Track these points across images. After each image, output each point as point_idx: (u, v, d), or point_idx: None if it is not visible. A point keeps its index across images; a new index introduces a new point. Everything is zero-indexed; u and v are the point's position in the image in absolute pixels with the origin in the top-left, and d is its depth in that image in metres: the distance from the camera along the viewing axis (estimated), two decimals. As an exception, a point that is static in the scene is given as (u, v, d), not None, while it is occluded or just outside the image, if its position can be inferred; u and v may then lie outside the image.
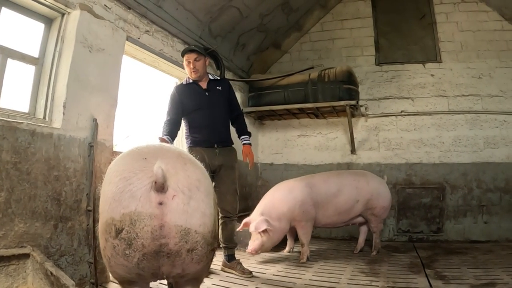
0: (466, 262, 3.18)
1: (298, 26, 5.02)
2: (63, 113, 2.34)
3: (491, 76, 4.40)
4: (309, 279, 2.73)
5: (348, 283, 2.62)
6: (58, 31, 2.47)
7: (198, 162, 1.63)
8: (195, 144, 2.88)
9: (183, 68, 3.57)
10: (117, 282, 1.66)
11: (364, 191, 3.54)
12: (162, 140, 2.61)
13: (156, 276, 1.48)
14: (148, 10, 3.04)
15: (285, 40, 5.10)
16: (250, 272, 2.84)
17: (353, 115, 4.56)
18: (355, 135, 4.65)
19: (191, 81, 2.94)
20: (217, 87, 2.97)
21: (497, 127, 4.33)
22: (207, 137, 2.87)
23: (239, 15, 3.94)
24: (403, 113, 4.65)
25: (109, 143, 2.67)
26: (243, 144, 3.07)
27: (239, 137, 3.11)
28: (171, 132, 2.78)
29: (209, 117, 2.87)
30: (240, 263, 2.91)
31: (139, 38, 3.03)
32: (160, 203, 1.34)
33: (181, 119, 2.92)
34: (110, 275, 2.20)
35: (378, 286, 2.53)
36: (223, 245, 2.97)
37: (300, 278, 2.75)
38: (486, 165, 4.30)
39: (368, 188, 3.55)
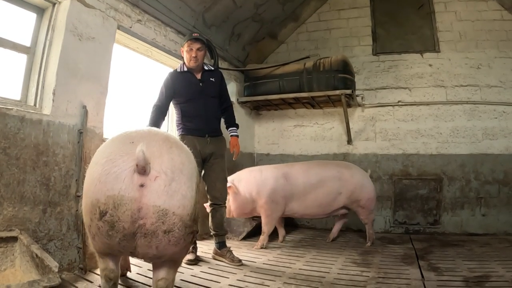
0: (462, 254, 3.15)
1: (295, 16, 4.99)
2: (53, 100, 2.37)
3: (490, 67, 4.33)
4: (299, 269, 2.73)
5: (338, 273, 2.61)
6: (49, 21, 2.50)
7: (184, 146, 1.65)
8: (187, 132, 2.92)
9: (176, 57, 3.61)
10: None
11: (347, 183, 3.53)
12: None
13: (134, 255, 1.52)
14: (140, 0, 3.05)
15: (282, 30, 5.07)
16: (240, 261, 2.85)
17: (349, 105, 4.54)
18: (351, 126, 4.62)
19: (185, 69, 2.96)
20: (211, 78, 3.00)
21: (496, 118, 4.27)
22: (199, 127, 2.91)
23: (233, 5, 3.92)
24: (400, 103, 4.60)
25: (99, 130, 2.70)
26: (231, 135, 3.14)
27: (227, 128, 3.17)
28: (156, 123, 2.85)
29: (202, 107, 2.92)
30: (230, 251, 2.93)
31: (131, 27, 3.04)
32: (142, 185, 1.38)
33: (168, 107, 2.97)
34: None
35: (368, 276, 2.51)
36: (213, 233, 3.00)
37: (290, 268, 2.75)
38: (485, 157, 4.25)
39: (352, 180, 3.55)
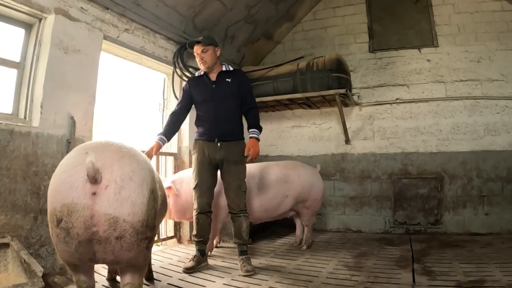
0: (460, 256, 3.07)
1: (290, 16, 4.95)
2: (41, 113, 2.48)
3: (491, 60, 4.17)
4: (288, 272, 2.73)
5: (327, 277, 2.60)
6: (36, 36, 2.60)
7: (140, 155, 1.71)
8: (198, 136, 2.92)
9: (167, 64, 3.67)
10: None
11: (294, 185, 3.42)
12: (155, 144, 2.76)
13: (94, 261, 1.61)
14: (126, 9, 3.10)
15: (277, 31, 5.04)
16: (248, 271, 2.70)
17: (346, 104, 4.49)
18: (349, 125, 4.58)
19: (202, 72, 2.93)
20: (227, 79, 2.87)
21: (498, 113, 4.12)
22: (208, 131, 2.86)
23: (223, 8, 3.92)
24: (398, 101, 4.51)
25: (88, 139, 2.77)
26: (250, 137, 2.87)
27: (248, 130, 2.93)
28: (169, 128, 2.87)
29: (212, 110, 2.83)
30: (244, 259, 2.81)
31: (118, 37, 3.11)
32: (94, 193, 1.46)
33: (188, 111, 2.99)
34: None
35: (357, 280, 2.49)
36: (234, 240, 2.96)
37: (279, 271, 2.75)
38: (487, 153, 4.11)
39: (299, 181, 3.44)
